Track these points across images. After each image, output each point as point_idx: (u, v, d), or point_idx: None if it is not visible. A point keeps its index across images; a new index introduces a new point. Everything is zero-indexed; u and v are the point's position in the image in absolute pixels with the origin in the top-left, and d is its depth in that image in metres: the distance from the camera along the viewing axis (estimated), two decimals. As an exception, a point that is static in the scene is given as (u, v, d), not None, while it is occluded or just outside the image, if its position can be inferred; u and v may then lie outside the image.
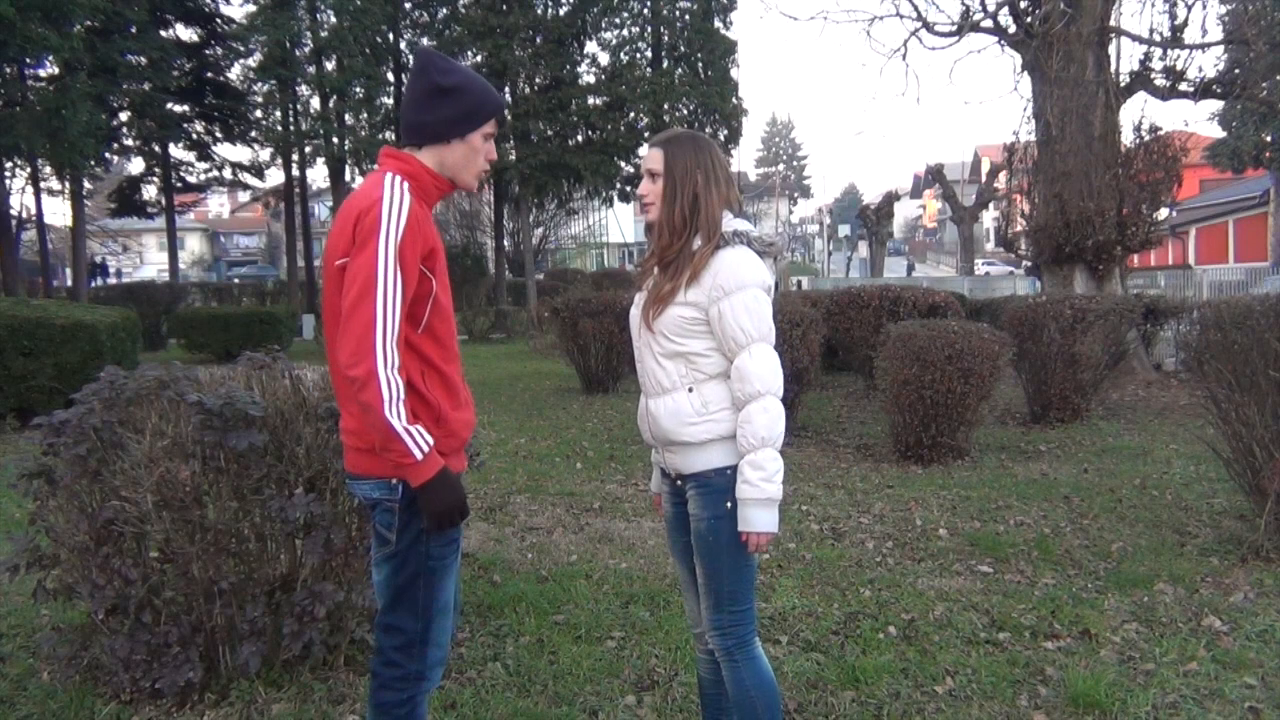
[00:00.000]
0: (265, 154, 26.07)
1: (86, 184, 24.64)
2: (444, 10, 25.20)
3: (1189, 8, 11.74)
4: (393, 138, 25.87)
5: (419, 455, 1.94)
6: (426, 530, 2.05)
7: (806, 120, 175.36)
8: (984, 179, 34.21)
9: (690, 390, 2.25)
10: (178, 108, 24.96)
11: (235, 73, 25.93)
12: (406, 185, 2.02)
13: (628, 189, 26.70)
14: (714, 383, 2.24)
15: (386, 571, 2.11)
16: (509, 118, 22.09)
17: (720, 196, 2.28)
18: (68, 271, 29.99)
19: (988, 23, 12.47)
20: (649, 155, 2.33)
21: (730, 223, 2.28)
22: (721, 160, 2.33)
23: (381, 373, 1.91)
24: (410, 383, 2.01)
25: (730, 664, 2.30)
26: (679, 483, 2.33)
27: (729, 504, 2.22)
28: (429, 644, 2.12)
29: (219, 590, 3.00)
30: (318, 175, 28.80)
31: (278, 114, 24.85)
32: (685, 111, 24.71)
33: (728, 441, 2.22)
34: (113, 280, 34.67)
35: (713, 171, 2.28)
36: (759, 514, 2.17)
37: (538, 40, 24.06)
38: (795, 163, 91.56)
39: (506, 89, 23.34)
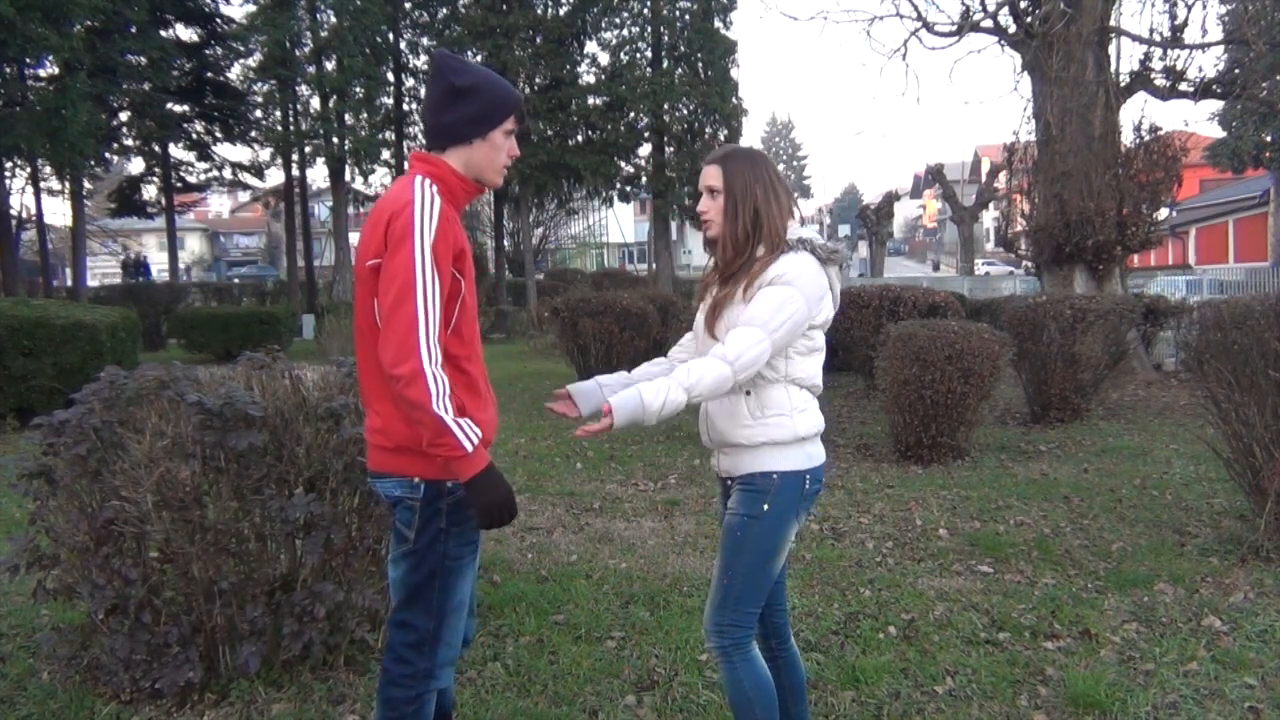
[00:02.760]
0: (265, 154, 26.10)
1: (86, 184, 24.68)
2: (444, 10, 25.23)
3: (1189, 8, 11.75)
4: (392, 137, 25.93)
5: (469, 447, 1.97)
6: (479, 526, 2.08)
7: (806, 120, 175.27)
8: (984, 179, 34.20)
9: (748, 394, 2.25)
10: (178, 108, 24.98)
11: (235, 73, 25.97)
12: (436, 188, 2.06)
13: (627, 189, 26.71)
14: (772, 387, 2.25)
15: (404, 569, 2.13)
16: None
17: (781, 207, 2.30)
18: (68, 271, 29.99)
19: (988, 23, 12.47)
20: (706, 172, 2.34)
21: (795, 231, 2.30)
22: (778, 172, 2.35)
23: (427, 369, 1.94)
24: None
25: (727, 665, 2.30)
26: (729, 483, 2.36)
27: (766, 507, 2.24)
28: (440, 643, 2.15)
29: (219, 590, 3.00)
30: (318, 175, 28.86)
31: (278, 114, 24.85)
32: (685, 111, 24.73)
33: (780, 447, 2.25)
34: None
35: (771, 185, 2.30)
36: (630, 410, 2.09)
37: (538, 40, 24.07)
38: (795, 163, 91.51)
39: (506, 89, 23.33)
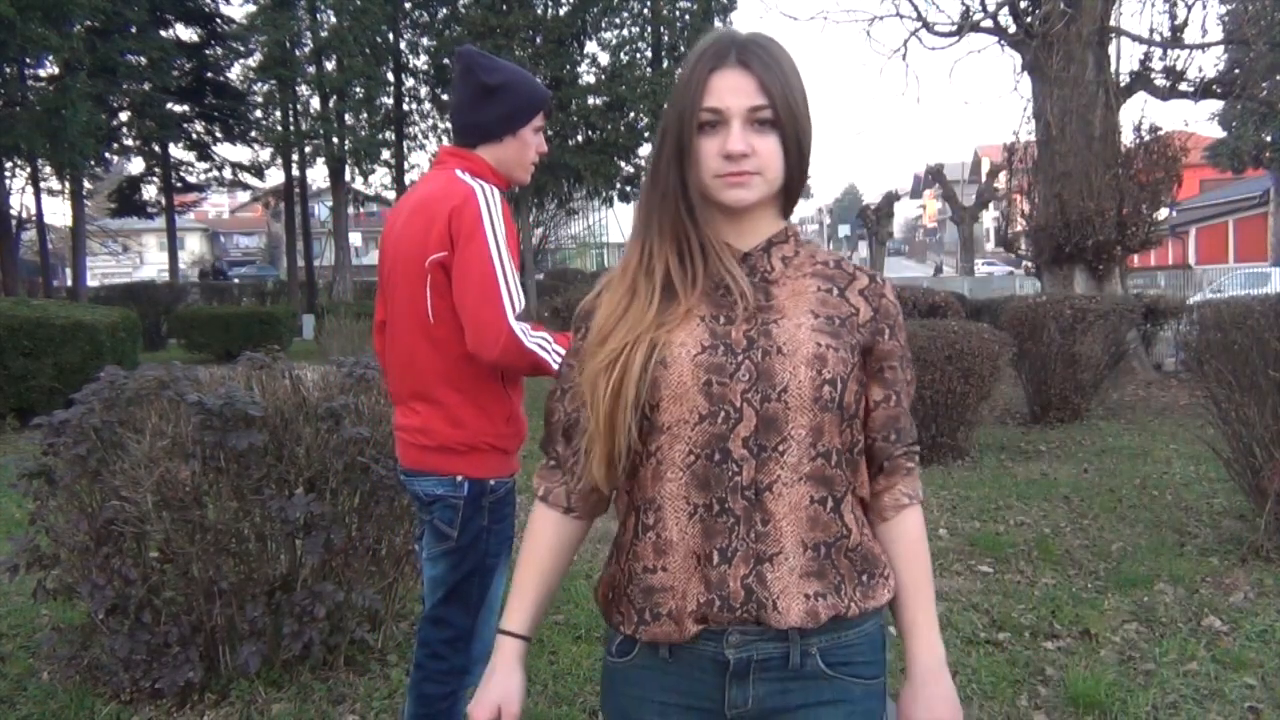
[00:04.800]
0: (265, 154, 26.09)
1: (86, 184, 24.65)
2: (444, 10, 25.21)
3: (1189, 8, 11.76)
4: (392, 137, 25.92)
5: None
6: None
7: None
8: (984, 179, 34.19)
9: None
10: (178, 108, 24.97)
11: (235, 73, 25.97)
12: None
13: (628, 189, 26.70)
14: None
15: (443, 567, 2.14)
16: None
17: None
18: (68, 271, 30.00)
19: (988, 23, 12.47)
20: None
21: None
22: None
23: (526, 344, 1.98)
24: (491, 384, 2.09)
25: None
26: None
27: None
28: (475, 638, 2.18)
29: (219, 590, 3.00)
30: (318, 175, 28.81)
31: (278, 114, 24.85)
32: (685, 112, 24.71)
33: None
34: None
35: None
36: None
37: (538, 40, 24.06)
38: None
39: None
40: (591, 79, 25.48)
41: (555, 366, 1.95)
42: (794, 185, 1.21)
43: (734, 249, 1.21)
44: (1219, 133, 27.48)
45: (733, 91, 1.15)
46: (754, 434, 1.13)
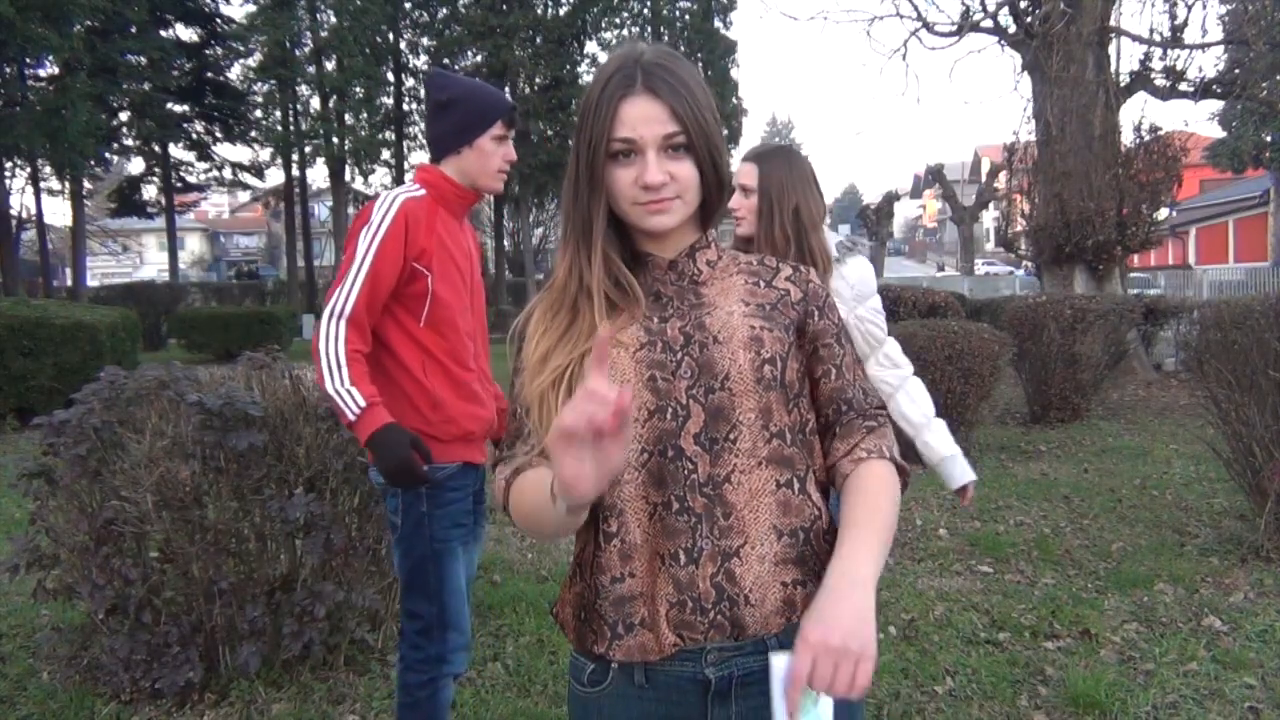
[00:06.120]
0: (265, 154, 26.12)
1: (86, 184, 24.68)
2: (444, 10, 25.25)
3: (1189, 8, 11.77)
4: (392, 137, 25.98)
5: (351, 415, 2.04)
6: (388, 485, 2.14)
7: (806, 120, 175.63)
8: (984, 179, 34.15)
9: None
10: (178, 108, 25.03)
11: (235, 73, 26.04)
12: (419, 194, 2.19)
13: (627, 189, 26.72)
14: None
15: (398, 557, 2.22)
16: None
17: (819, 212, 2.32)
18: (68, 271, 30.01)
19: (988, 23, 12.48)
20: (742, 169, 2.33)
21: (832, 235, 2.35)
22: (814, 174, 2.36)
23: (321, 349, 2.07)
24: (410, 372, 2.17)
25: None
26: None
27: None
28: (448, 627, 2.21)
29: (219, 590, 3.00)
30: (318, 175, 28.88)
31: (278, 114, 24.90)
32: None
33: None
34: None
35: (808, 186, 2.32)
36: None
37: (538, 40, 24.09)
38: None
39: (506, 89, 23.41)
40: (591, 79, 25.55)
41: (324, 389, 2.05)
42: (712, 199, 1.21)
43: (659, 258, 1.22)
44: (1219, 133, 27.49)
45: (645, 121, 1.13)
46: (704, 429, 1.13)
